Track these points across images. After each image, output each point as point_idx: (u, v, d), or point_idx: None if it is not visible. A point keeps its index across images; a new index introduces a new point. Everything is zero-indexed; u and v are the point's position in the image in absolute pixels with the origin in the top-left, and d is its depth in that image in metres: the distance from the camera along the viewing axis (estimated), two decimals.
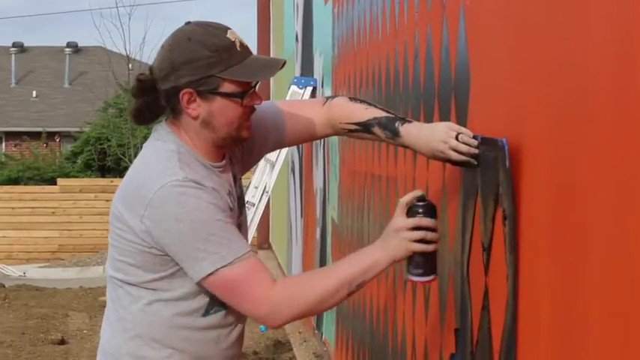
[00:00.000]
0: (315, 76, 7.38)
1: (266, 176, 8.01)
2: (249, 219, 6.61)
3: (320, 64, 6.87)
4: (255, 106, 2.36)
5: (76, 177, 22.58)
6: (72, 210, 17.95)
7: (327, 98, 2.57)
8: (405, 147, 2.42)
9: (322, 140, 6.22)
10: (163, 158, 2.32)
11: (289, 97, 7.41)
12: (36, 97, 30.05)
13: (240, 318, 2.45)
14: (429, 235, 2.21)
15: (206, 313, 2.37)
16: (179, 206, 2.25)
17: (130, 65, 23.17)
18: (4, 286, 12.09)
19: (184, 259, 2.28)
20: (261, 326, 7.84)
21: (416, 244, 2.21)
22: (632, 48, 1.49)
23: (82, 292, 11.61)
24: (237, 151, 2.50)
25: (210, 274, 2.26)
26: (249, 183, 7.94)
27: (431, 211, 2.23)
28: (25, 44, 32.58)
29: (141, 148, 2.51)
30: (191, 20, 2.37)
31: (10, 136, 28.59)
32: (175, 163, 2.30)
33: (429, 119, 2.87)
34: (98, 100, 25.44)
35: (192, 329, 2.38)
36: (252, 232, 7.66)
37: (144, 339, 2.39)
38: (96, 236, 17.08)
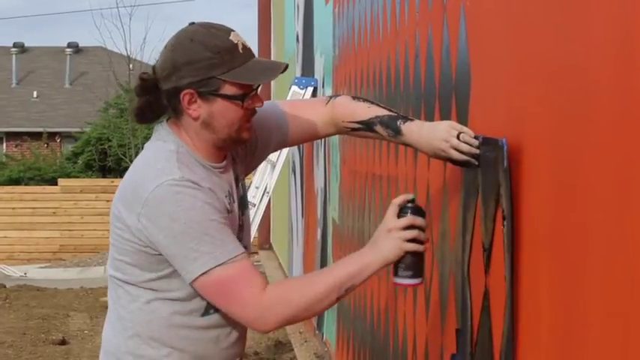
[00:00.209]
0: (315, 77, 7.39)
1: (267, 176, 8.01)
2: (250, 219, 6.58)
3: (321, 64, 6.87)
4: (257, 108, 2.36)
5: (77, 177, 22.59)
6: (73, 210, 17.95)
7: (330, 97, 2.58)
8: (407, 145, 2.43)
9: (323, 140, 6.23)
10: (162, 158, 2.33)
11: (290, 98, 7.41)
12: (37, 97, 30.06)
13: None
14: (422, 234, 2.22)
15: (205, 312, 2.37)
16: (174, 205, 2.25)
17: (131, 65, 23.19)
18: (5, 286, 12.10)
19: (177, 259, 2.28)
20: None
21: (409, 244, 2.21)
22: (633, 48, 1.49)
23: (83, 293, 11.62)
24: (241, 152, 2.50)
25: (202, 274, 2.26)
26: (250, 183, 7.95)
27: (421, 212, 2.24)
28: (26, 44, 32.61)
29: (142, 148, 2.52)
30: (195, 21, 2.37)
31: (10, 136, 28.60)
32: (174, 163, 2.31)
33: (429, 119, 2.87)
34: (99, 101, 25.44)
35: (192, 328, 2.38)
36: (253, 232, 7.65)
37: (143, 338, 2.39)
38: (97, 236, 17.09)
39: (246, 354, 6.88)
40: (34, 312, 9.97)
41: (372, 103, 2.50)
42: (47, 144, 27.40)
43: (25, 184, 21.85)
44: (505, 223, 2.08)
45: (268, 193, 8.05)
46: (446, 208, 2.67)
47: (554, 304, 1.85)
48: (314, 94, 7.43)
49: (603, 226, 1.61)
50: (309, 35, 7.77)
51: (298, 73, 8.31)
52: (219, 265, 2.25)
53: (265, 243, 12.51)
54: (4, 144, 28.61)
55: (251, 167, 2.60)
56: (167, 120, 2.42)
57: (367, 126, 2.45)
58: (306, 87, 7.59)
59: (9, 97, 29.89)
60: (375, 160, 4.08)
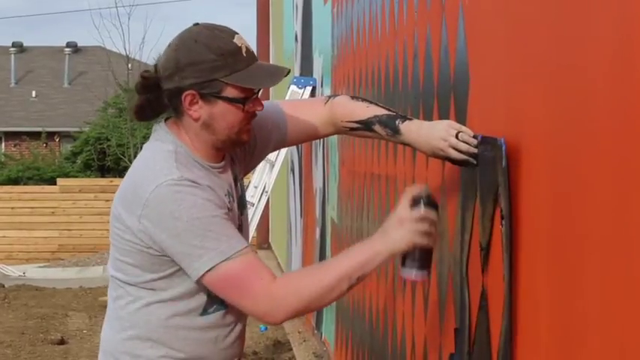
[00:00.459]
0: (314, 76, 7.39)
1: (265, 176, 8.01)
2: (248, 219, 6.59)
3: (319, 63, 6.87)
4: (257, 111, 2.36)
5: (76, 177, 22.59)
6: (72, 210, 17.94)
7: (329, 97, 2.58)
8: (406, 145, 2.43)
9: (321, 140, 6.23)
10: (161, 159, 2.33)
11: (289, 97, 7.41)
12: (35, 97, 30.05)
13: (240, 318, 2.46)
14: (433, 229, 2.21)
15: (204, 312, 2.37)
16: (175, 204, 2.25)
17: (130, 65, 23.21)
18: (3, 286, 12.10)
19: (183, 258, 2.28)
20: (261, 326, 7.84)
21: (418, 237, 2.20)
22: (631, 48, 1.49)
23: (82, 292, 11.62)
24: (239, 152, 2.51)
25: (209, 270, 2.26)
26: (249, 182, 7.95)
27: (435, 205, 2.23)
28: (25, 44, 32.60)
29: (140, 147, 2.52)
30: (199, 22, 2.37)
31: (9, 136, 28.59)
32: (172, 163, 2.31)
33: (428, 119, 2.87)
34: (98, 100, 25.45)
35: (190, 329, 2.38)
36: (251, 232, 7.66)
37: (141, 338, 2.39)
38: (96, 236, 17.08)
39: (245, 354, 6.88)
40: (33, 312, 9.96)
41: (371, 102, 2.51)
42: (46, 144, 27.39)
43: (24, 184, 21.84)
44: (503, 222, 2.08)
45: (267, 192, 8.05)
46: (444, 208, 2.67)
47: (552, 304, 1.85)
48: (312, 93, 7.43)
49: (602, 226, 1.61)
50: (307, 35, 7.77)
51: (297, 73, 8.31)
52: (225, 259, 2.25)
53: (264, 242, 12.51)
54: (3, 143, 28.60)
55: (250, 167, 2.60)
56: (166, 120, 2.42)
57: (366, 125, 2.45)
58: (305, 86, 7.59)
59: (8, 97, 29.87)
60: (373, 159, 4.08)
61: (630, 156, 1.49)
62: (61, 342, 8.42)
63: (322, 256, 6.31)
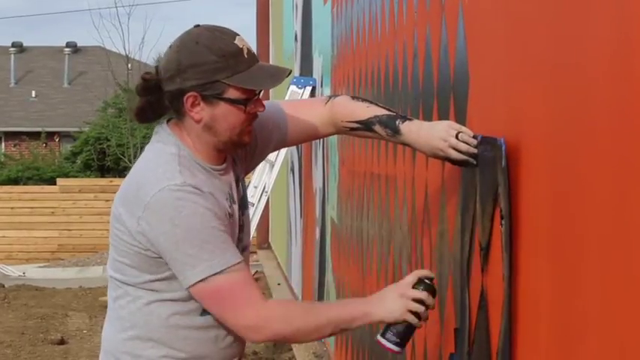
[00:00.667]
0: (314, 76, 7.39)
1: (265, 176, 8.02)
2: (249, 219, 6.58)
3: (319, 63, 6.87)
4: (259, 112, 2.37)
5: (76, 177, 22.58)
6: (71, 210, 17.93)
7: (329, 97, 2.58)
8: (406, 145, 2.43)
9: (321, 140, 6.23)
10: (163, 161, 2.33)
11: (288, 97, 7.41)
12: (35, 97, 30.05)
13: None
14: (425, 313, 2.30)
15: (204, 312, 2.37)
16: (176, 211, 2.26)
17: (129, 65, 23.22)
18: (3, 286, 12.09)
19: (176, 264, 2.29)
20: None
21: (410, 315, 2.28)
22: (630, 47, 1.50)
23: (82, 292, 11.61)
24: (241, 152, 2.51)
25: (200, 281, 2.28)
26: (249, 183, 7.95)
27: (434, 292, 2.32)
28: (25, 44, 32.59)
29: (140, 147, 2.53)
30: (200, 23, 2.37)
31: (9, 136, 28.59)
32: (175, 166, 2.31)
33: (427, 119, 2.87)
34: (97, 100, 25.45)
35: (190, 328, 2.39)
36: (251, 231, 7.66)
37: (142, 338, 2.40)
38: (96, 236, 17.06)
39: (245, 354, 6.87)
40: (33, 312, 9.96)
41: (371, 102, 2.51)
42: (46, 144, 27.39)
43: (24, 184, 21.84)
44: (503, 222, 2.09)
45: (267, 192, 8.06)
46: (444, 208, 2.67)
47: (552, 303, 1.86)
48: (312, 93, 7.43)
49: (601, 225, 1.61)
50: (307, 35, 7.77)
51: (297, 73, 8.31)
52: (217, 273, 2.27)
53: (264, 242, 12.51)
54: (3, 144, 28.60)
55: (251, 167, 2.61)
56: (167, 121, 2.42)
57: (366, 126, 2.46)
58: (305, 86, 7.59)
59: (7, 97, 29.87)
60: (373, 159, 4.08)
61: (630, 155, 1.49)
62: (61, 342, 8.43)
63: (322, 256, 6.31)
